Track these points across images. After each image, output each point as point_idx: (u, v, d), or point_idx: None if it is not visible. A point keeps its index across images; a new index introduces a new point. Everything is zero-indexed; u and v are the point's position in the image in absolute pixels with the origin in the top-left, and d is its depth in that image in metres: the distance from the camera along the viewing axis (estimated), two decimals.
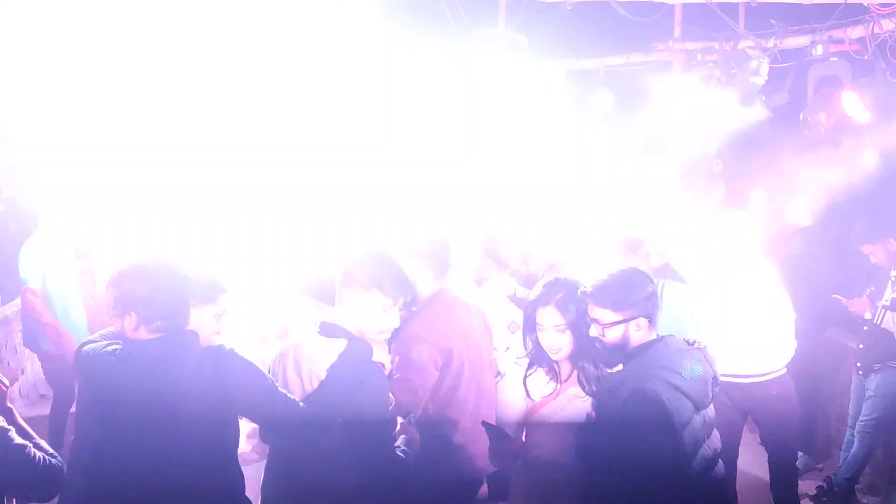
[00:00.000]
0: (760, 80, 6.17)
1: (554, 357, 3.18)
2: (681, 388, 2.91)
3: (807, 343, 5.84)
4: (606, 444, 2.95)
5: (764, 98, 6.46)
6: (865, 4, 5.46)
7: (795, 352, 4.65)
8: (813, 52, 6.01)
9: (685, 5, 6.75)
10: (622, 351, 3.03)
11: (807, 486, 5.61)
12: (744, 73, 6.19)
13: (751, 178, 7.22)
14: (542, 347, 3.20)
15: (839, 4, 5.58)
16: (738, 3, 6.19)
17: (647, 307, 3.01)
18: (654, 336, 3.06)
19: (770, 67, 6.17)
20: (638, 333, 3.01)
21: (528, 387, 3.24)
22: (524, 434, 3.28)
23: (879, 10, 5.41)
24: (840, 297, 5.37)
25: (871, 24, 5.57)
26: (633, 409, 2.87)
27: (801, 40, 6.17)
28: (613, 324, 2.99)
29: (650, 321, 3.03)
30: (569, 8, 5.96)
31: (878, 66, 5.57)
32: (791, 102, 6.52)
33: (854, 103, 5.65)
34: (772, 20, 6.19)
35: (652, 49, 7.39)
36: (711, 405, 3.08)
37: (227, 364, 2.78)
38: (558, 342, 3.14)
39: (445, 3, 6.27)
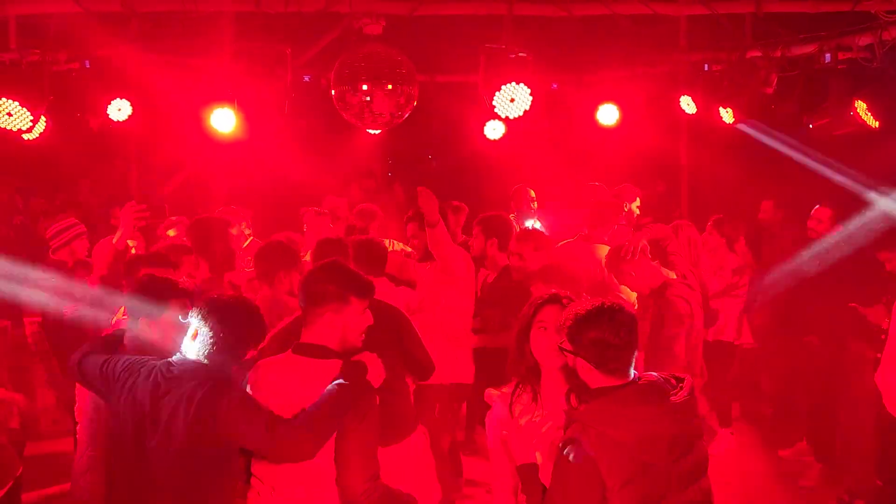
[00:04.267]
0: (769, 89, 6.14)
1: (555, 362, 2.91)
2: (626, 445, 2.56)
3: (825, 353, 5.83)
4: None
5: (773, 107, 6.43)
6: (873, 12, 5.45)
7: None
8: (821, 60, 5.98)
9: (690, 16, 6.74)
10: (585, 386, 2.72)
11: (825, 496, 5.59)
12: (752, 83, 6.16)
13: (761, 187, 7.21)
14: (535, 360, 2.98)
15: (846, 12, 5.58)
16: (744, 13, 6.18)
17: (590, 352, 2.65)
18: (616, 382, 2.66)
19: (778, 76, 6.13)
20: (587, 374, 2.69)
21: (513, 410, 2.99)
22: None
23: (887, 17, 5.40)
24: (857, 306, 5.32)
25: (880, 31, 5.56)
26: (564, 459, 2.61)
27: (809, 48, 6.15)
28: (567, 352, 2.74)
29: (596, 367, 2.65)
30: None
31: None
32: (800, 111, 6.49)
33: (864, 110, 5.63)
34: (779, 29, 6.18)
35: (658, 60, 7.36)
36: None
37: None
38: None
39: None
